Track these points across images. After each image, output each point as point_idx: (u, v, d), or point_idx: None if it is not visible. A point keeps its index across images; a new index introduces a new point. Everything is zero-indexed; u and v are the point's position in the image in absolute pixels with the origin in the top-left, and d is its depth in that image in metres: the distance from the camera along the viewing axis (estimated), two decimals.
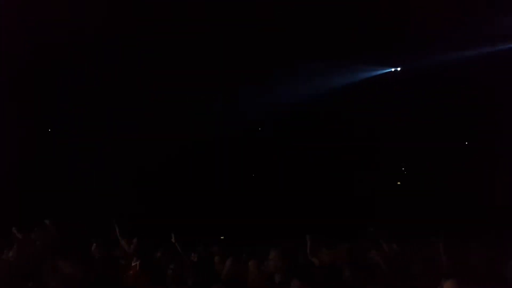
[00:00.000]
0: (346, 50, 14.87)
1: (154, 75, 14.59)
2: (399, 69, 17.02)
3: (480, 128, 15.35)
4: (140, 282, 4.31)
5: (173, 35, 13.27)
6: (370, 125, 16.78)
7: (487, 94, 14.58)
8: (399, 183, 18.34)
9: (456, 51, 14.50)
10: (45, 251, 5.11)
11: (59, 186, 14.21)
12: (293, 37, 13.80)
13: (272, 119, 17.40)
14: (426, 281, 4.22)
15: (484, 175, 15.32)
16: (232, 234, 14.08)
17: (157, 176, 16.16)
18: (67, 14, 11.79)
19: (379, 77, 17.28)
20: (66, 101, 14.75)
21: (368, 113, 16.45)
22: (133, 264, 4.44)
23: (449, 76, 14.99)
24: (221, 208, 16.21)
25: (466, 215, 13.74)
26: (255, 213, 16.37)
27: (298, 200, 16.44)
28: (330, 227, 13.45)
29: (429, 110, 15.80)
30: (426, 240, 8.30)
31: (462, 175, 15.56)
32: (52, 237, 5.59)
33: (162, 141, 15.75)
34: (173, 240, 5.98)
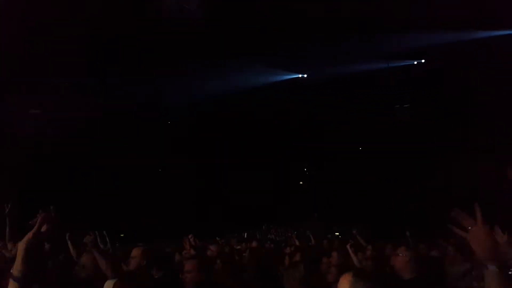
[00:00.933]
0: (258, 53, 15.28)
1: None
2: (305, 75, 17.92)
3: (373, 132, 16.78)
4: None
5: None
6: (274, 125, 17.51)
7: (378, 103, 16.10)
8: (301, 183, 19.41)
9: (360, 64, 15.78)
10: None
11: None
12: (206, 37, 13.74)
13: (179, 116, 17.28)
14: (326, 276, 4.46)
15: (382, 176, 16.76)
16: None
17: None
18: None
19: (286, 82, 18.00)
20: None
21: (274, 114, 17.18)
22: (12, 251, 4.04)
23: (352, 85, 16.09)
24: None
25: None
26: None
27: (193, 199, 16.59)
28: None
29: (331, 114, 16.99)
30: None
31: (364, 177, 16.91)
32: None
33: None
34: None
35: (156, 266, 3.81)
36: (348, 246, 5.48)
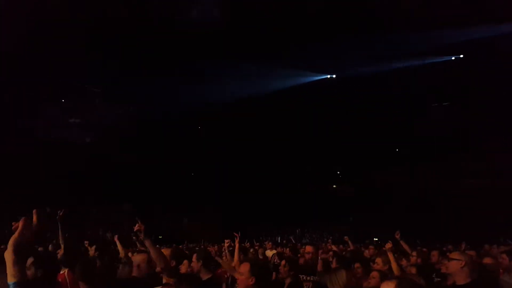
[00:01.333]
0: (286, 55, 15.10)
1: None
2: (334, 76, 17.54)
3: (409, 134, 16.21)
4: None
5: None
6: (306, 127, 17.23)
7: (414, 103, 15.53)
8: (334, 186, 18.92)
9: (387, 62, 15.20)
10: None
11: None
12: (234, 40, 13.71)
13: (209, 118, 17.33)
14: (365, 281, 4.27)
15: (418, 178, 16.15)
16: None
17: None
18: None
19: (315, 83, 17.73)
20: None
21: (305, 116, 16.92)
22: (62, 273, 4.11)
23: (379, 85, 15.63)
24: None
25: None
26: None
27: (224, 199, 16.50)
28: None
29: (360, 114, 16.53)
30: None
31: (396, 177, 16.35)
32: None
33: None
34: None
35: (205, 268, 3.78)
36: (388, 251, 5.18)
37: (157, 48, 13.46)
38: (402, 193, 16.00)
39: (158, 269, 3.57)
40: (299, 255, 5.80)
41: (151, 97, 15.31)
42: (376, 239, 12.85)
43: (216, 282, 3.94)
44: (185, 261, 4.28)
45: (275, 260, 5.26)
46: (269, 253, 8.02)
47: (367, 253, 7.00)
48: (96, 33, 12.22)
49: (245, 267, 3.00)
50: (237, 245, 4.96)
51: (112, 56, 13.08)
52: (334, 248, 7.38)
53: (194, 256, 3.87)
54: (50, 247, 6.26)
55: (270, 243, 9.96)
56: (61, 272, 4.08)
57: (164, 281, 3.58)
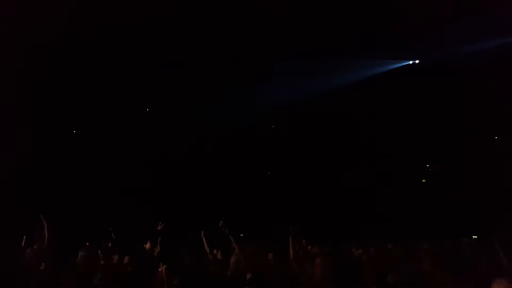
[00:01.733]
0: (363, 44, 14.51)
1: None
2: (417, 61, 16.39)
3: (502, 123, 14.85)
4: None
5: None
6: (390, 117, 16.49)
7: (507, 89, 14.03)
8: (424, 180, 17.81)
9: (476, 43, 13.93)
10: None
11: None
12: (309, 31, 13.52)
13: (283, 116, 17.21)
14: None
15: (500, 173, 14.75)
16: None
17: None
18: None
19: (397, 70, 16.85)
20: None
21: (387, 106, 16.14)
22: (160, 270, 4.35)
23: (468, 70, 14.34)
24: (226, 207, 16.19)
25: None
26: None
27: (295, 200, 16.31)
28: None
29: (448, 103, 15.30)
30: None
31: (483, 172, 15.08)
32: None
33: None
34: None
35: None
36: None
37: (232, 48, 13.71)
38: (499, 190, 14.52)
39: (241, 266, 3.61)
40: None
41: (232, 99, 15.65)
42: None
43: None
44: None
45: None
46: None
47: None
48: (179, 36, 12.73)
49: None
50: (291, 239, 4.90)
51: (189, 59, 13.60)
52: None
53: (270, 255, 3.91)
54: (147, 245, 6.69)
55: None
56: (159, 270, 4.33)
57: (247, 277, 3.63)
